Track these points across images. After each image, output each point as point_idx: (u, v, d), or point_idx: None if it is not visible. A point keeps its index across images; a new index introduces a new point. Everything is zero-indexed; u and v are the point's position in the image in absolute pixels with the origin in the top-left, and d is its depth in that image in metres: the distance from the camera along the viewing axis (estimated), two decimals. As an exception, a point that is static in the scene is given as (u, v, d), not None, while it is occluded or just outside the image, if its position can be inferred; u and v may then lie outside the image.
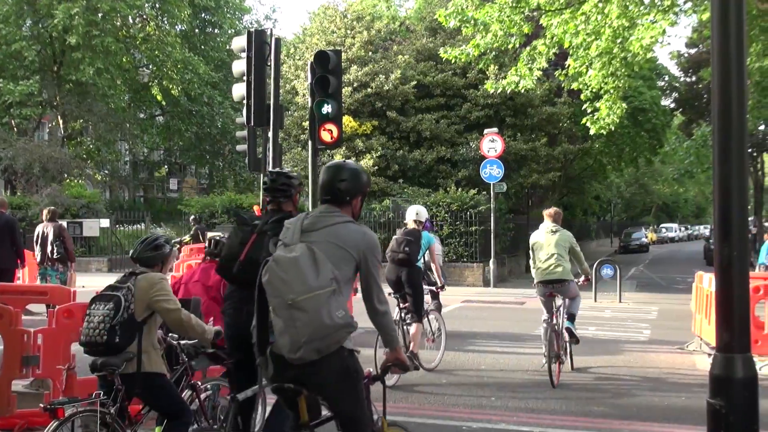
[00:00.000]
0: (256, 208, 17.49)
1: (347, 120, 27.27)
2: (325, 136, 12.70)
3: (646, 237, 63.83)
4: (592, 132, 20.78)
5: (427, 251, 10.57)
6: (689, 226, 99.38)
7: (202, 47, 45.91)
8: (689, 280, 16.74)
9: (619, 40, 17.37)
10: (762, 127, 42.98)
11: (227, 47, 41.76)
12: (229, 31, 46.34)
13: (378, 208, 26.79)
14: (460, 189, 26.22)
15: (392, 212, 26.22)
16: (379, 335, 4.67)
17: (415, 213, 10.24)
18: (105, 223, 29.63)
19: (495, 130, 24.67)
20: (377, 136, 29.27)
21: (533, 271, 10.30)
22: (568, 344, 10.33)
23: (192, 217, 25.15)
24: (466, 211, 25.13)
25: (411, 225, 10.18)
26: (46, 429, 4.90)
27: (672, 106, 48.70)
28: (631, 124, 37.44)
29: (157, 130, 48.26)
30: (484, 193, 25.35)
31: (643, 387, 9.98)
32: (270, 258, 4.24)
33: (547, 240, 10.12)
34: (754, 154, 45.72)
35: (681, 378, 10.55)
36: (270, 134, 13.47)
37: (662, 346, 13.15)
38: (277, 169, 6.22)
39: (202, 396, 5.94)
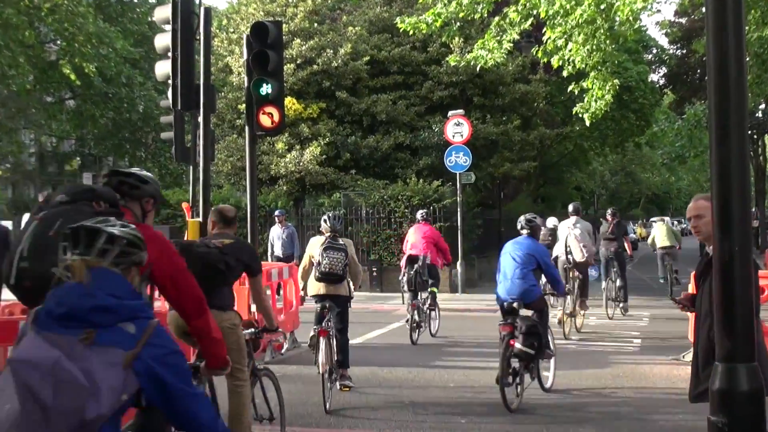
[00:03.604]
0: (185, 205, 17.36)
1: (290, 102, 27.17)
2: (265, 121, 12.63)
3: (635, 232, 64.48)
4: (588, 123, 20.80)
5: None
6: (683, 220, 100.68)
7: (120, 19, 45.16)
8: (684, 281, 16.95)
9: (602, 6, 17.42)
10: (762, 106, 43.68)
11: (149, 19, 41.24)
12: (151, 0, 45.76)
13: (327, 203, 26.72)
14: (421, 180, 26.19)
15: (344, 207, 26.08)
16: None
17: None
18: (8, 225, 29.20)
19: (461, 111, 24.71)
20: (325, 120, 29.18)
21: (656, 243, 22.91)
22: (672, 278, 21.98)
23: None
24: (429, 206, 25.02)
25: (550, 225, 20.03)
26: (321, 346, 9.44)
27: (661, 82, 49.23)
28: (616, 104, 37.66)
29: (67, 116, 47.46)
30: (450, 184, 25.39)
31: (634, 404, 10.10)
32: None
33: (662, 229, 23.09)
34: (755, 136, 46.43)
35: (677, 393, 10.64)
36: (200, 119, 13.37)
37: (655, 357, 13.34)
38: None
39: None
